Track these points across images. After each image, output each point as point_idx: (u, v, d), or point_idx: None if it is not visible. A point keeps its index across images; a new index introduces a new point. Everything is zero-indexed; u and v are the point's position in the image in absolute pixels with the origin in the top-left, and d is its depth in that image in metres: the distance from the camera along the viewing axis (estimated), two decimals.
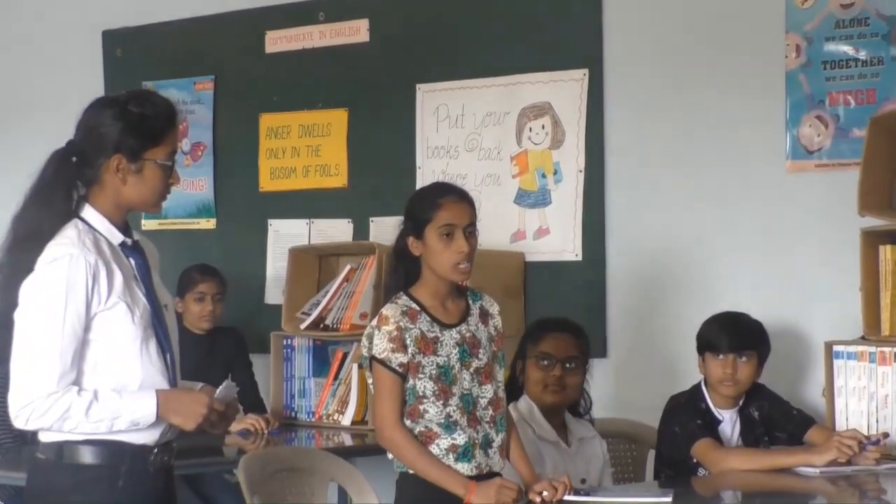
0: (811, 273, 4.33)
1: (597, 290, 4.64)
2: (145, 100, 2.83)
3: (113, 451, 2.74)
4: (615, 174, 4.65)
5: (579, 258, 4.69)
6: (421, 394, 3.06)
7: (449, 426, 3.06)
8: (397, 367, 3.05)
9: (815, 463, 3.52)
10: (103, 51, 5.81)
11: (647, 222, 4.60)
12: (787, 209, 4.37)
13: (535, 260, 4.76)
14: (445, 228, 3.08)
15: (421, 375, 3.06)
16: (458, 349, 3.11)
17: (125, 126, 2.77)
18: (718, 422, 3.79)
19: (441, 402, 3.06)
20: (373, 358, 3.06)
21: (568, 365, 3.62)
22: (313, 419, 4.92)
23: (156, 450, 2.79)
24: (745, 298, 4.26)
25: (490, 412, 3.13)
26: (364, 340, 3.11)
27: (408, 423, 3.07)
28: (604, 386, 4.35)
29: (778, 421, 3.84)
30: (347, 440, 4.64)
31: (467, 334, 3.14)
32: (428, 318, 3.10)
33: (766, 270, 4.39)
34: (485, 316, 3.20)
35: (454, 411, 3.07)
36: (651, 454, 4.01)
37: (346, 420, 4.80)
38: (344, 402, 4.84)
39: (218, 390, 2.85)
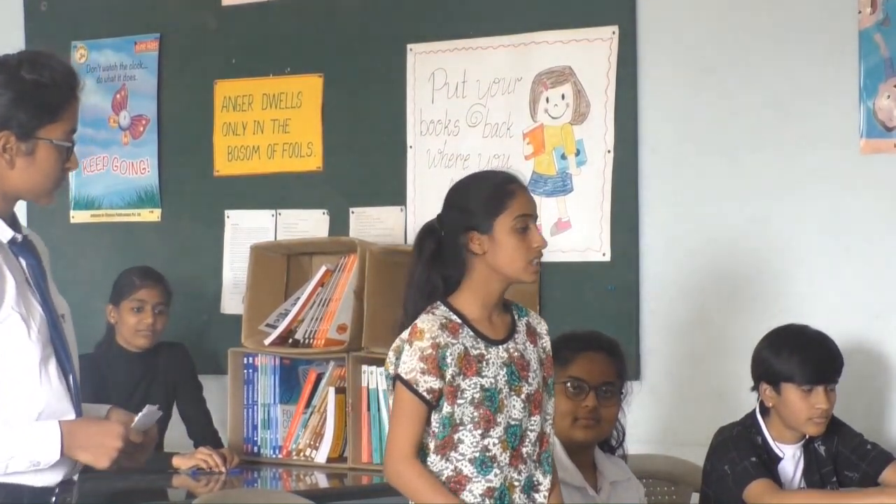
0: (891, 276, 4.34)
1: (629, 296, 4.66)
2: (42, 64, 2.82)
3: (7, 495, 2.74)
4: (651, 155, 4.67)
5: (607, 258, 4.70)
6: (458, 421, 3.08)
7: (484, 462, 3.08)
8: (424, 393, 3.06)
9: None
10: (24, 4, 5.82)
11: (690, 214, 4.62)
12: (860, 198, 4.39)
13: (554, 260, 4.74)
14: (521, 220, 3.14)
15: (460, 401, 3.08)
16: (506, 370, 3.13)
17: (15, 97, 2.77)
18: (779, 459, 3.84)
19: (479, 431, 3.08)
20: (398, 376, 3.08)
21: (604, 392, 3.61)
22: (280, 455, 4.94)
23: (56, 490, 2.80)
24: (811, 307, 4.31)
25: (537, 449, 3.17)
26: (391, 356, 3.12)
27: (440, 462, 3.09)
28: (637, 414, 4.33)
29: (849, 458, 3.88)
30: (322, 481, 4.68)
31: (515, 353, 3.17)
32: (472, 333, 3.13)
33: (836, 273, 4.41)
34: (532, 335, 3.24)
35: (494, 445, 3.09)
36: (695, 498, 4.03)
37: (321, 457, 4.82)
38: (318, 435, 4.86)
39: (137, 418, 2.85)
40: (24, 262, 2.82)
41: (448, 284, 3.16)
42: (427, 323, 3.09)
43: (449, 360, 3.07)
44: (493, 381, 3.11)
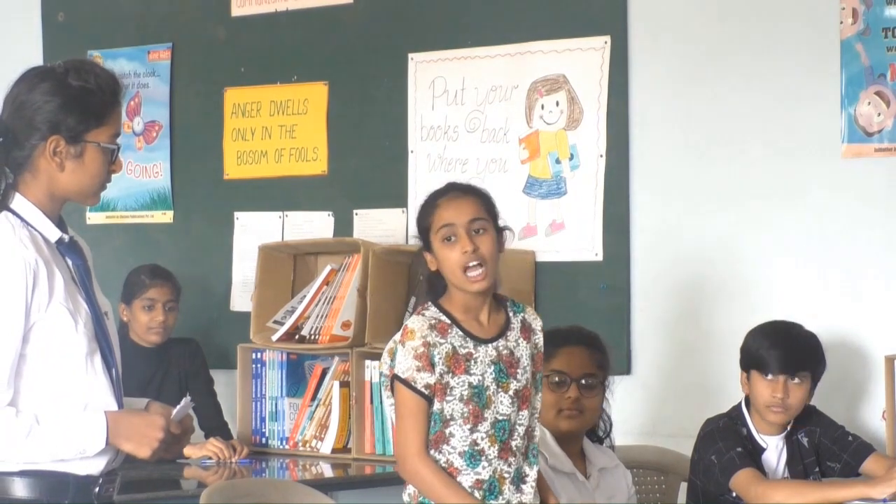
0: (870, 276, 4.35)
1: (620, 295, 4.66)
2: (87, 71, 2.83)
3: (53, 483, 2.76)
4: (642, 160, 4.67)
5: (599, 258, 4.71)
6: (449, 417, 3.10)
7: (473, 456, 3.10)
8: (422, 389, 3.08)
9: (874, 496, 3.55)
10: (42, 14, 5.83)
11: (679, 216, 4.62)
12: (842, 201, 4.39)
13: (548, 260, 4.78)
14: (445, 231, 3.13)
15: (449, 398, 3.10)
16: (493, 368, 3.14)
17: (64, 102, 2.78)
18: (762, 450, 3.83)
19: (469, 426, 3.10)
20: (395, 377, 3.10)
21: (585, 383, 3.64)
22: (287, 446, 4.96)
23: (100, 480, 2.81)
24: (793, 305, 4.30)
25: (525, 443, 3.17)
26: (385, 356, 3.14)
27: (433, 453, 3.10)
28: (628, 407, 4.38)
29: (831, 449, 3.88)
30: (327, 471, 4.68)
31: (504, 351, 3.17)
32: (460, 333, 3.13)
33: (818, 272, 4.41)
34: (527, 331, 3.23)
35: (482, 439, 3.10)
36: (683, 487, 4.04)
37: (326, 447, 4.83)
38: (323, 427, 4.87)
39: (175, 410, 2.87)
40: (70, 262, 2.84)
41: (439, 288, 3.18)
42: (416, 323, 3.10)
43: (437, 359, 3.08)
44: (480, 378, 3.11)
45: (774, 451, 3.84)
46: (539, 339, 3.25)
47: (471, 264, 3.09)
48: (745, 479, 3.67)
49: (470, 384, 3.10)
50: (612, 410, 3.78)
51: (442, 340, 3.10)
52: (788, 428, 3.85)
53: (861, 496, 3.56)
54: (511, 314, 3.22)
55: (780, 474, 3.83)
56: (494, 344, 3.16)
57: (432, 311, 3.14)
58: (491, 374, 3.13)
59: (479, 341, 3.14)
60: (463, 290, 3.13)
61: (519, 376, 3.16)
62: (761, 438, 3.83)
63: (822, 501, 3.58)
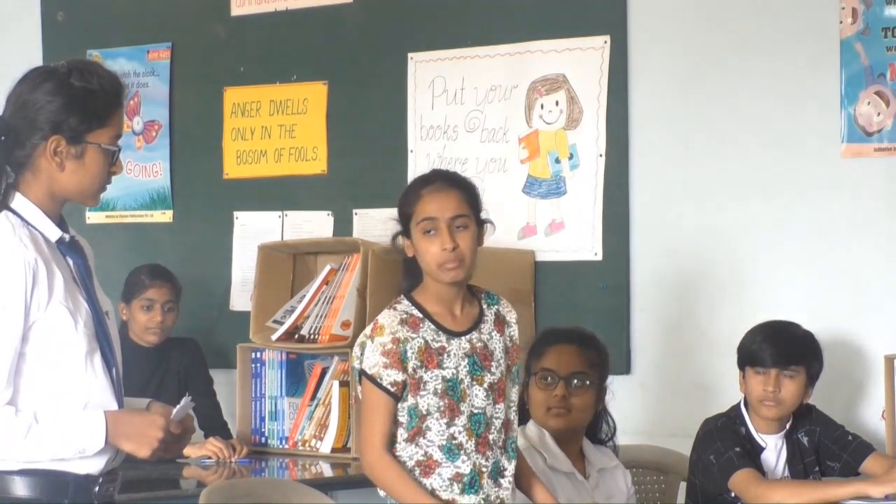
0: (870, 275, 4.36)
1: (619, 294, 4.67)
2: (89, 72, 2.84)
3: (53, 482, 2.76)
4: (641, 159, 4.68)
5: (599, 257, 4.72)
6: (425, 411, 3.09)
7: (451, 449, 3.10)
8: (388, 386, 3.07)
9: (873, 495, 3.55)
10: (42, 14, 5.85)
11: (679, 216, 4.63)
12: (841, 200, 4.40)
13: (548, 259, 4.79)
14: (426, 224, 3.10)
15: (423, 392, 3.09)
16: (467, 360, 3.12)
17: (66, 102, 2.79)
18: (761, 449, 3.83)
19: (445, 420, 3.09)
20: (362, 372, 3.10)
21: (573, 382, 3.63)
22: (287, 446, 4.95)
23: (100, 479, 2.81)
24: (793, 305, 4.30)
25: (502, 436, 3.16)
26: (356, 349, 3.13)
27: (411, 447, 3.11)
28: (627, 407, 4.37)
29: (830, 448, 3.88)
30: (327, 470, 4.68)
31: (478, 344, 3.15)
32: (432, 326, 3.12)
33: (818, 272, 4.42)
34: (500, 323, 3.22)
35: (459, 433, 3.10)
36: (682, 487, 4.04)
37: (326, 447, 4.83)
38: (323, 426, 4.87)
39: (175, 410, 2.87)
40: (71, 261, 2.84)
41: (416, 278, 3.16)
42: (387, 318, 3.10)
43: (410, 353, 3.07)
44: (454, 371, 3.10)
45: (773, 450, 3.85)
46: (514, 331, 3.23)
47: (448, 264, 3.09)
48: (744, 479, 3.67)
49: (443, 378, 3.09)
50: (612, 410, 3.78)
51: (414, 335, 3.09)
52: (787, 427, 3.85)
53: (861, 495, 3.56)
54: (485, 306, 3.21)
55: (780, 474, 3.83)
56: (468, 337, 3.14)
57: (404, 305, 3.13)
58: (465, 367, 3.11)
59: (451, 334, 3.12)
60: (437, 279, 3.12)
61: (493, 369, 3.15)
62: (760, 438, 3.83)
63: (822, 501, 3.57)
